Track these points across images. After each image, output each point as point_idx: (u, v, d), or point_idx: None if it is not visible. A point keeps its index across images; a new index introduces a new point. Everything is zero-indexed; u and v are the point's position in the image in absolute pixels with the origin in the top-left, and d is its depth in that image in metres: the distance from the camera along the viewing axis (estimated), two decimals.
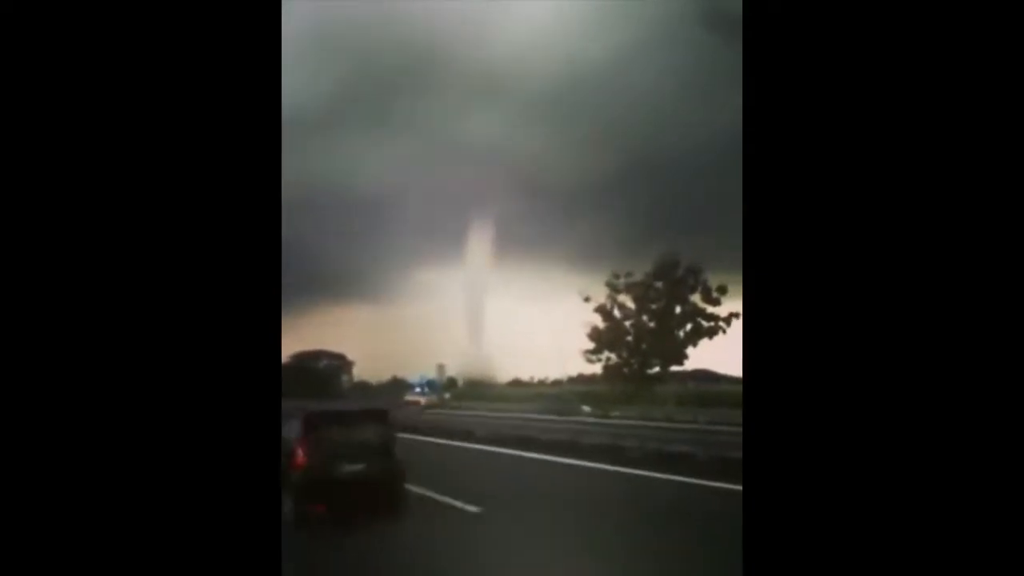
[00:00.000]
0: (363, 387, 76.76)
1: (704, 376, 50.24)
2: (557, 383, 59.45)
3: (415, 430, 23.02)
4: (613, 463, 13.43)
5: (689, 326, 42.42)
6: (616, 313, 43.74)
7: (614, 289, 43.69)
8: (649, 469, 12.39)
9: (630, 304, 43.47)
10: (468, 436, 20.53)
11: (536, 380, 64.82)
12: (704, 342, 42.03)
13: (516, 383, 62.47)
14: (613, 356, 44.13)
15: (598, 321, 44.09)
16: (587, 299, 43.96)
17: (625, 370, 43.79)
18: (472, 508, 9.02)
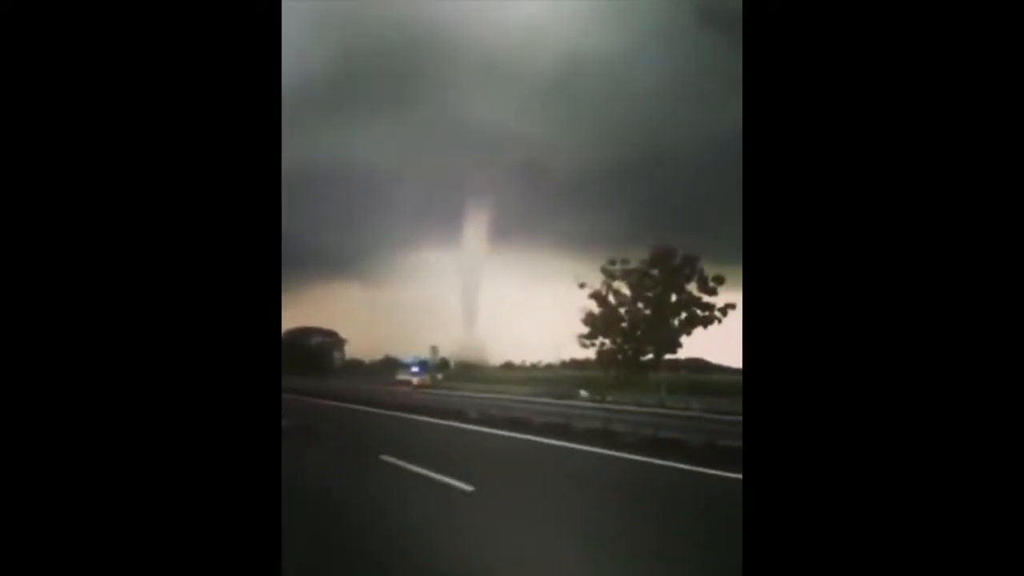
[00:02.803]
0: (355, 365, 76.68)
1: (697, 365, 50.34)
2: (550, 367, 59.51)
3: (411, 409, 23.09)
4: (605, 447, 13.50)
5: (684, 315, 42.55)
6: (611, 299, 43.84)
7: (610, 276, 43.79)
8: (641, 454, 12.46)
9: (625, 291, 43.60)
10: (461, 416, 20.59)
11: (529, 364, 64.74)
12: (699, 331, 42.19)
13: (508, 366, 62.42)
14: (607, 342, 44.26)
15: (593, 307, 44.19)
16: (582, 285, 44.05)
17: (619, 356, 43.91)
18: (466, 487, 9.09)
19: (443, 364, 62.99)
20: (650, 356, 43.75)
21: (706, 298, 41.74)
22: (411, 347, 63.88)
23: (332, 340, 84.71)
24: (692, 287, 42.32)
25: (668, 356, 43.80)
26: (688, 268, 42.28)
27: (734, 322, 39.31)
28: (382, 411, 24.18)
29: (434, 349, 64.37)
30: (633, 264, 43.47)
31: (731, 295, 39.41)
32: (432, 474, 10.00)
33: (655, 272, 42.95)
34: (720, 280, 41.18)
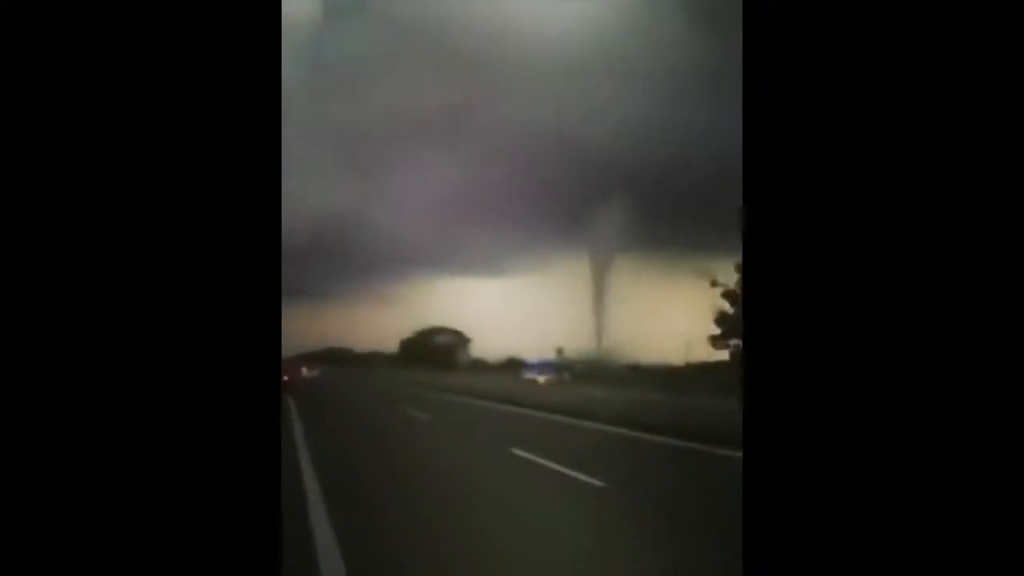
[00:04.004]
0: (480, 364, 77.84)
1: None
2: (679, 368, 57.98)
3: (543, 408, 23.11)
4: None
5: None
6: None
7: None
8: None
9: None
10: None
11: (657, 366, 62.94)
12: None
13: (636, 368, 61.02)
14: (741, 343, 42.95)
15: (726, 307, 43.01)
16: (714, 283, 42.94)
17: None
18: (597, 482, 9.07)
19: (568, 365, 62.21)
20: None
21: None
22: (535, 347, 63.87)
23: (458, 339, 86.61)
24: None
25: None
26: None
27: None
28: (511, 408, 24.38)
29: (559, 350, 63.90)
30: None
31: None
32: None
33: None
34: None
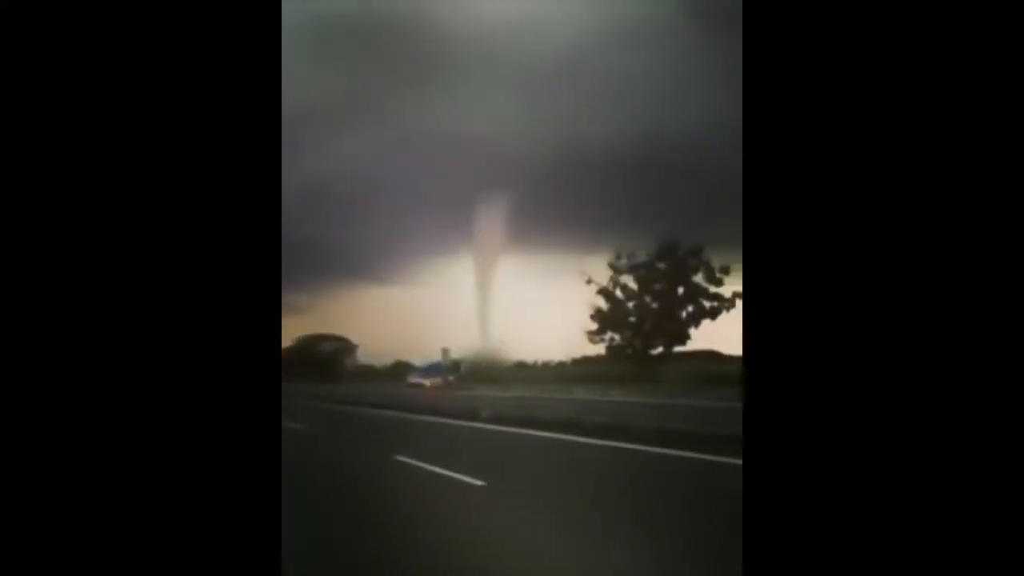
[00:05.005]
0: (367, 370, 76.79)
1: (711, 356, 49.86)
2: (561, 365, 59.27)
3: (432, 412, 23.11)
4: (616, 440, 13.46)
5: (691, 307, 42.63)
6: (618, 294, 44.00)
7: (616, 270, 43.89)
8: (653, 445, 12.42)
9: (632, 285, 43.72)
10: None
11: (540, 363, 64.20)
12: (706, 322, 42.31)
13: (521, 366, 61.99)
14: (616, 337, 44.37)
15: (601, 302, 44.29)
16: (589, 281, 44.21)
17: (628, 350, 44.01)
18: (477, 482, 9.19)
19: (454, 366, 62.41)
20: (660, 349, 43.84)
21: (713, 288, 41.82)
22: (422, 350, 63.95)
23: (343, 346, 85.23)
24: (699, 278, 42.39)
25: (678, 348, 43.87)
26: (694, 260, 42.33)
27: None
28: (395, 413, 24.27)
29: (445, 351, 64.06)
30: (639, 258, 43.59)
31: (739, 285, 39.23)
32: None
33: (661, 265, 43.05)
34: (726, 270, 41.30)
